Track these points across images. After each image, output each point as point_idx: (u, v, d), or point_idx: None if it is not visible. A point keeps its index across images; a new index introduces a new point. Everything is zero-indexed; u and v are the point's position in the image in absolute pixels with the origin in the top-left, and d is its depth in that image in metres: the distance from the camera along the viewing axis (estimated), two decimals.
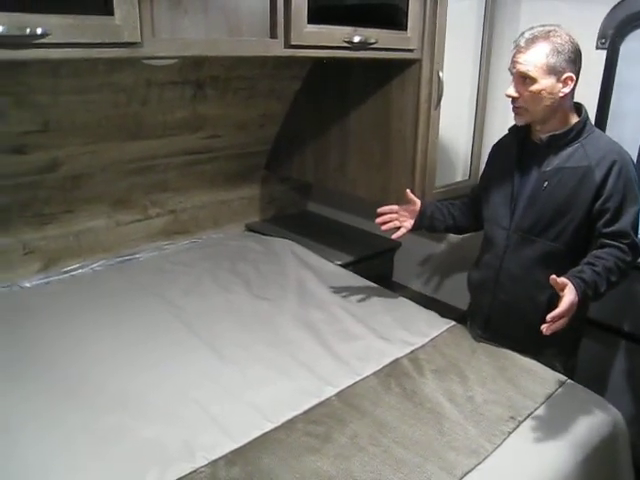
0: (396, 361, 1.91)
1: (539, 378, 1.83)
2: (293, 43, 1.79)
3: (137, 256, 2.70)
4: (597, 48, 2.18)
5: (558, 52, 1.68)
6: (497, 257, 1.96)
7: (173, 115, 2.53)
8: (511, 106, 1.80)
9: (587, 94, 2.22)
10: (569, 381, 1.83)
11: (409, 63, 2.25)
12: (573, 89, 1.75)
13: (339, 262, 2.75)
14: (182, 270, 2.55)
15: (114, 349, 1.91)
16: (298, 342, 2.01)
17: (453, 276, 2.89)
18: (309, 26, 1.81)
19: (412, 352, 1.96)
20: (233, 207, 3.14)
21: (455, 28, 2.28)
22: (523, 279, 1.91)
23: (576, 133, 1.79)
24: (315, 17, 1.82)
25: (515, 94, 1.75)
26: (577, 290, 1.56)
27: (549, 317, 1.52)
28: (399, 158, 2.42)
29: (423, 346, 2.00)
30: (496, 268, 1.97)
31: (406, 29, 2.12)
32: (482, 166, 2.59)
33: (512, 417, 1.65)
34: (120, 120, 2.37)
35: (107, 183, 2.54)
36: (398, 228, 2.13)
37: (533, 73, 1.69)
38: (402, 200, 2.45)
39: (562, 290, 1.54)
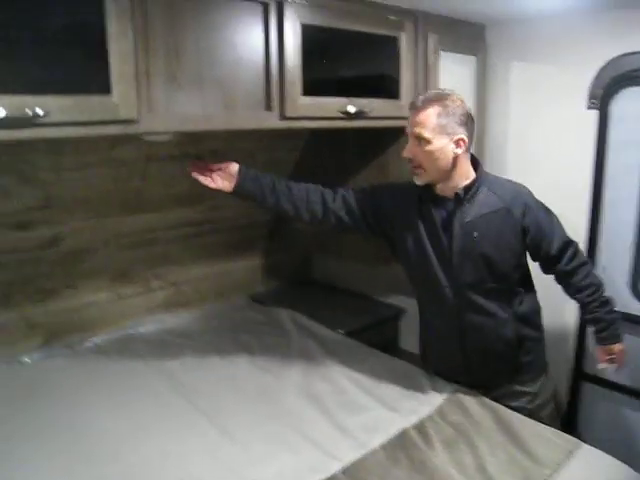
0: (403, 432, 1.85)
1: (551, 443, 1.76)
2: (288, 115, 1.82)
3: (139, 329, 2.66)
4: (588, 108, 2.22)
5: (449, 114, 1.75)
6: (452, 313, 1.97)
7: (173, 188, 2.56)
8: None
9: (581, 153, 2.27)
10: (585, 445, 1.76)
11: (404, 131, 2.27)
12: (467, 149, 1.83)
13: (343, 330, 2.71)
14: (185, 343, 2.52)
15: (115, 425, 1.87)
16: (302, 415, 1.96)
17: None
18: (304, 98, 1.85)
19: (420, 422, 1.90)
20: (236, 277, 3.12)
21: None
22: (485, 322, 1.95)
23: (480, 182, 1.86)
24: (309, 89, 1.86)
25: (410, 155, 1.81)
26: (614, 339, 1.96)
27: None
28: None
29: (430, 415, 1.94)
30: (456, 324, 1.98)
31: (399, 98, 2.16)
32: None
33: None
34: (121, 194, 2.40)
35: (109, 257, 2.55)
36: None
37: (426, 134, 1.75)
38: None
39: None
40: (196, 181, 2.57)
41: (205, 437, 1.81)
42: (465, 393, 2.07)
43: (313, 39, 1.88)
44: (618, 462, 1.71)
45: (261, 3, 1.75)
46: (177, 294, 2.89)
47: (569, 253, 1.92)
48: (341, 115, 1.96)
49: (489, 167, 2.54)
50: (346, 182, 2.61)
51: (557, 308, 2.41)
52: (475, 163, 1.90)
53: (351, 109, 1.97)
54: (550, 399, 2.14)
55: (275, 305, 2.98)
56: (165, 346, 2.49)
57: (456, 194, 1.85)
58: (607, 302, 1.94)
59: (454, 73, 2.36)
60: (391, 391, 2.11)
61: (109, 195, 2.36)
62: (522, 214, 1.85)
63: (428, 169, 1.81)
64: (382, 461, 1.70)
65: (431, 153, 1.77)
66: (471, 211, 1.85)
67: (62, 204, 2.25)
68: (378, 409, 1.99)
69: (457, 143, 1.78)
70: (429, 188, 1.89)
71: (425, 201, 1.91)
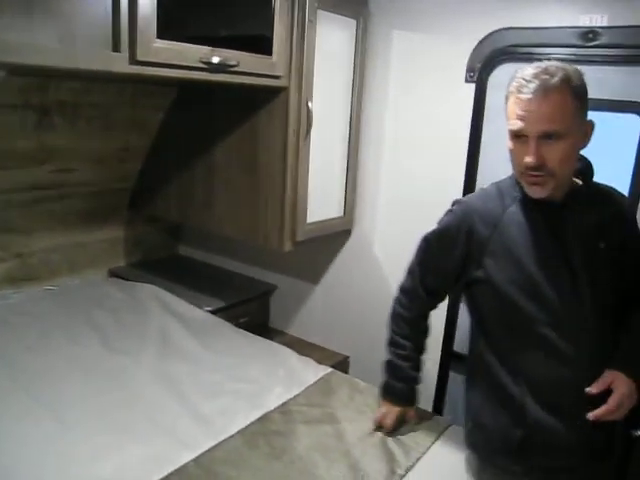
0: (265, 416, 1.74)
1: (423, 426, 1.72)
2: (140, 59, 1.58)
3: None
4: (466, 81, 2.16)
5: (583, 94, 1.29)
6: (566, 360, 1.37)
7: (13, 143, 2.23)
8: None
9: (458, 126, 2.20)
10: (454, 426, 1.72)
11: (276, 91, 2.11)
12: None
13: (209, 308, 2.53)
14: (28, 322, 2.24)
15: None
16: (155, 401, 1.79)
17: (331, 319, 2.74)
18: (159, 41, 1.62)
19: (284, 404, 1.81)
20: (93, 250, 2.83)
21: (326, 58, 2.19)
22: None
23: (590, 183, 1.46)
24: (167, 32, 1.64)
25: (538, 162, 1.28)
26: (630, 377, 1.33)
27: (591, 416, 1.29)
28: (268, 193, 2.25)
29: (296, 397, 1.84)
30: (573, 377, 1.37)
31: (271, 54, 1.98)
32: (358, 201, 2.50)
33: (392, 471, 1.51)
34: None
35: None
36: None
37: (563, 128, 1.25)
38: (270, 240, 2.29)
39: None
40: (42, 137, 2.26)
41: (42, 429, 1.60)
42: (337, 376, 1.97)
43: None
44: None
45: None
46: (22, 267, 2.56)
47: None
48: (203, 66, 1.75)
49: (365, 141, 2.44)
50: (214, 146, 2.43)
51: None
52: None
53: (214, 59, 1.76)
54: None
55: (136, 281, 2.74)
56: (6, 327, 2.19)
57: (568, 194, 1.38)
58: None
59: (333, 36, 2.22)
60: (257, 373, 2.00)
61: None
62: (633, 223, 1.49)
63: (560, 174, 1.30)
64: (239, 448, 1.58)
65: (566, 152, 1.28)
66: (587, 218, 1.38)
67: None
68: (240, 392, 1.87)
69: (586, 132, 1.32)
70: (526, 196, 1.41)
71: (518, 206, 1.42)
